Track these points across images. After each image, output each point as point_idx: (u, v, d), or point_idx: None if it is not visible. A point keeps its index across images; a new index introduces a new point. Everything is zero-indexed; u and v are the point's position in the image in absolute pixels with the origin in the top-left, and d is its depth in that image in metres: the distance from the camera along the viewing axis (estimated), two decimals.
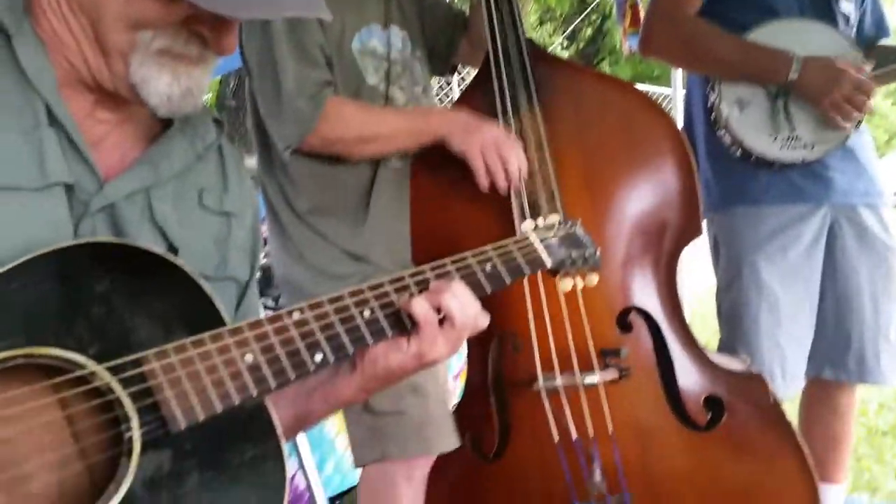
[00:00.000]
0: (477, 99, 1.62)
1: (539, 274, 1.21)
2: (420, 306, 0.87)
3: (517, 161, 1.51)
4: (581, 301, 1.50)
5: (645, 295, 1.55)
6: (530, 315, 1.51)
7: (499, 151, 1.50)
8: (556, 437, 1.47)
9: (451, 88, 7.16)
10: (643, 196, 1.58)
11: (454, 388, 2.98)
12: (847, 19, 1.90)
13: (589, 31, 9.72)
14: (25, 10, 0.81)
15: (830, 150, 1.82)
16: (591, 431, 1.46)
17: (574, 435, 1.46)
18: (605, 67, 10.09)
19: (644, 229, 1.56)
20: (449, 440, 1.54)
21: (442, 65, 1.86)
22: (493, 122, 1.55)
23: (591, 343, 1.49)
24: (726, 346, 1.92)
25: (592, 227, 1.45)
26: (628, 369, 1.49)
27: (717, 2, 1.88)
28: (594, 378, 1.47)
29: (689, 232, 1.59)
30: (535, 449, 1.50)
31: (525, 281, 1.47)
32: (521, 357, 1.52)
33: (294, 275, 1.59)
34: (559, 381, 1.48)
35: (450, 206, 1.58)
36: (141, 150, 0.89)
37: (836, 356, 1.93)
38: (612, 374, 1.48)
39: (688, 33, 1.86)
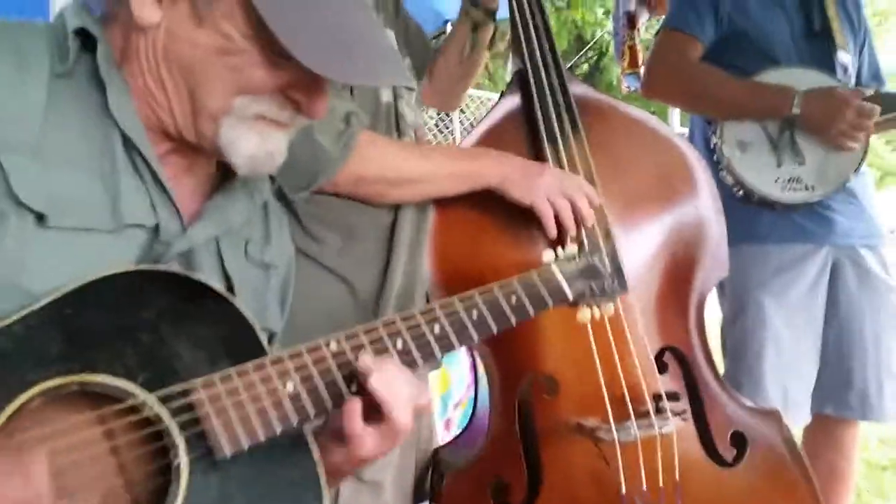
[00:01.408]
0: (512, 129, 1.53)
1: (573, 313, 1.23)
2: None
3: (585, 198, 1.42)
4: (629, 340, 1.44)
5: (679, 334, 1.54)
6: (577, 357, 1.43)
7: (565, 193, 1.40)
8: (623, 489, 1.39)
9: (450, 120, 7.23)
10: (677, 234, 1.57)
11: (454, 418, 2.97)
12: (845, 69, 1.98)
13: (586, 67, 9.87)
14: (119, 62, 0.83)
15: (831, 192, 1.88)
16: (660, 482, 1.40)
17: (643, 485, 1.39)
18: None
19: (677, 267, 1.55)
20: None
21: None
22: (549, 167, 1.45)
23: (643, 386, 1.43)
24: (730, 380, 1.94)
25: (629, 265, 1.47)
26: (686, 412, 1.46)
27: (719, 49, 1.96)
28: (669, 426, 1.40)
29: (718, 269, 1.59)
30: (577, 497, 1.42)
31: (558, 320, 1.42)
32: (557, 401, 1.43)
33: None
34: (634, 430, 1.39)
35: (476, 236, 1.49)
36: (202, 197, 0.92)
37: (838, 393, 1.96)
38: (676, 420, 1.42)
39: (690, 76, 1.93)
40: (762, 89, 1.87)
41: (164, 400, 0.73)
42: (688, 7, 1.98)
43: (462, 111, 7.63)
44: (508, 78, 1.75)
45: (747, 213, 1.91)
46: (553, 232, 1.41)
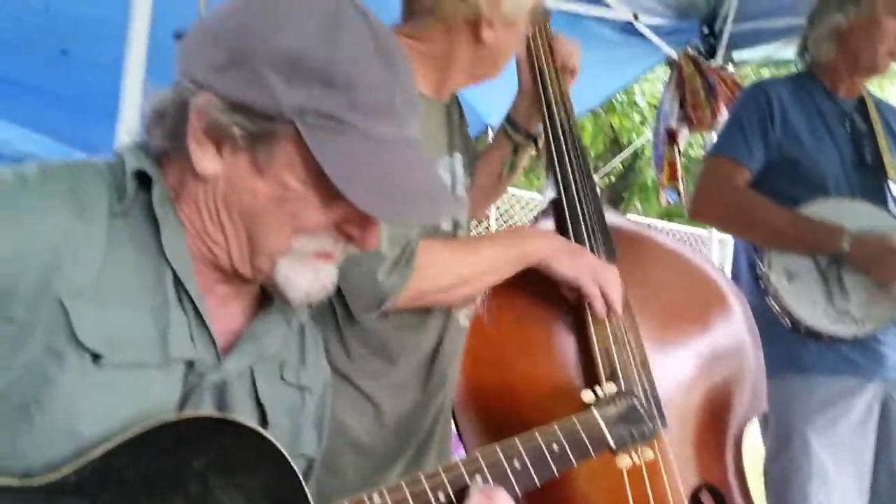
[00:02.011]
0: None
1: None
2: None
3: (619, 290, 1.42)
4: (665, 482, 1.40)
5: (716, 470, 1.49)
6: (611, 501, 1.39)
7: (607, 274, 1.41)
8: None
9: (487, 216, 7.32)
10: (712, 365, 1.54)
11: None
12: None
13: (620, 167, 10.02)
14: (174, 200, 0.86)
15: (881, 327, 1.83)
16: None
17: None
18: (636, 203, 10.31)
19: (713, 399, 1.52)
20: None
21: None
22: (587, 251, 1.46)
23: None
24: None
25: (664, 397, 1.43)
26: None
27: (768, 176, 1.97)
28: None
29: (756, 402, 1.56)
30: None
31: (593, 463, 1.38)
32: None
33: None
34: None
35: (513, 356, 1.49)
36: (241, 322, 0.92)
37: None
38: None
39: (738, 202, 1.93)
40: (812, 225, 1.86)
41: None
42: (737, 134, 1.99)
43: (498, 206, 7.75)
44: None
45: (793, 342, 1.87)
46: (603, 308, 1.41)
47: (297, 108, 0.78)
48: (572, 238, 1.51)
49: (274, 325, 0.94)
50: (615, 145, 9.48)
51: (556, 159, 1.57)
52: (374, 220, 0.86)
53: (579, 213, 1.52)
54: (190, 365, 0.83)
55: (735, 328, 1.57)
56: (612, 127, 9.45)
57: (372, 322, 1.38)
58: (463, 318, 1.56)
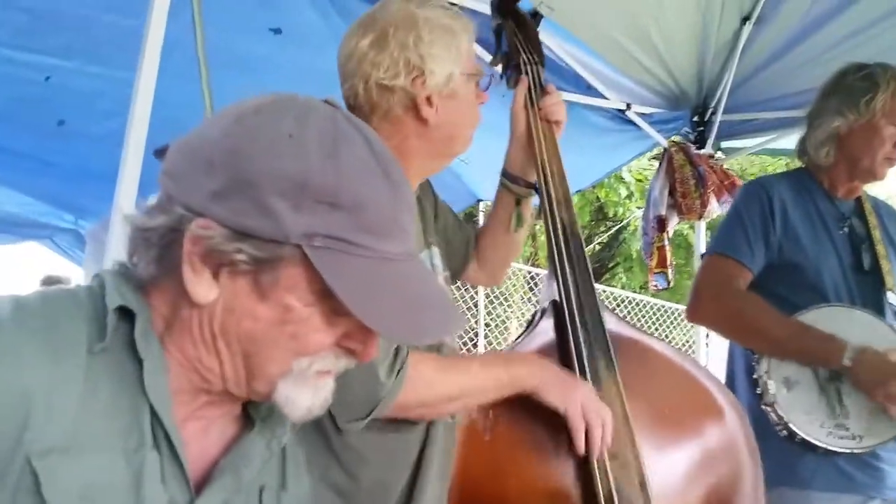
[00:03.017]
0: (546, 357, 1.50)
1: None
2: None
3: (610, 426, 1.39)
4: None
5: None
6: None
7: (597, 412, 1.39)
8: None
9: (475, 333, 7.30)
10: (710, 480, 1.50)
11: None
12: (895, 311, 1.95)
13: (605, 237, 10.12)
14: (160, 329, 0.82)
15: (879, 444, 1.80)
16: None
17: None
18: (620, 273, 10.38)
19: None
20: None
21: (451, 278, 1.76)
22: (583, 382, 1.43)
23: None
24: None
25: None
26: None
27: (767, 277, 1.95)
28: None
29: None
30: None
31: None
32: None
33: None
34: None
35: (508, 471, 1.45)
36: (219, 449, 0.88)
37: None
38: None
39: (738, 307, 1.91)
40: (814, 338, 1.83)
41: None
42: (739, 233, 1.96)
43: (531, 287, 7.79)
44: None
45: (789, 454, 1.84)
46: (582, 444, 1.39)
47: (304, 232, 0.76)
48: (571, 342, 1.49)
49: (254, 451, 0.89)
50: (600, 215, 9.57)
51: (555, 257, 1.55)
52: (374, 334, 0.83)
53: (577, 318, 1.50)
54: None
55: (734, 443, 1.54)
56: (598, 198, 9.56)
57: (363, 430, 1.34)
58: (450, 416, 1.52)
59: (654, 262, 3.49)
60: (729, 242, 1.99)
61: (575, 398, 1.39)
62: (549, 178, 1.60)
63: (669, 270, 3.49)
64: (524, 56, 1.71)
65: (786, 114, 3.57)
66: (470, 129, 1.50)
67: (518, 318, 8.03)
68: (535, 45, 1.74)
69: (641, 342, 1.59)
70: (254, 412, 0.91)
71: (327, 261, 0.76)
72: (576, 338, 1.49)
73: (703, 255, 2.10)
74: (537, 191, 1.65)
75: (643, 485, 1.41)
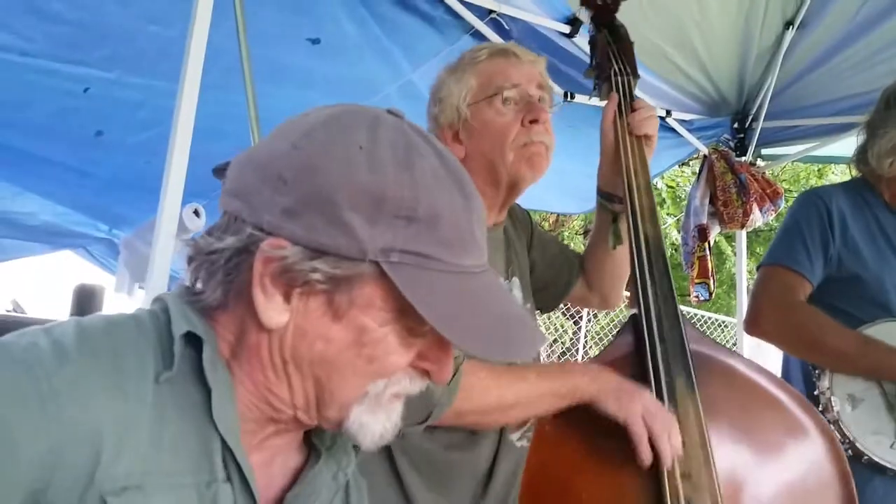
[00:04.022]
0: (621, 371, 1.46)
1: None
2: None
3: (678, 436, 1.34)
4: None
5: None
6: None
7: (662, 422, 1.34)
8: None
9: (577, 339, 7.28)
10: None
11: None
12: None
13: None
14: (227, 355, 0.78)
15: None
16: None
17: None
18: None
19: None
20: None
21: (551, 303, 1.77)
22: (645, 390, 1.39)
23: None
24: None
25: None
26: None
27: (826, 290, 1.89)
28: None
29: None
30: None
31: None
32: None
33: None
34: None
35: (577, 483, 1.39)
36: (283, 483, 0.84)
37: None
38: None
39: (800, 321, 1.85)
40: (882, 350, 1.77)
41: None
42: (797, 244, 1.91)
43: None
44: None
45: (856, 476, 1.75)
46: (647, 454, 1.33)
47: (382, 248, 0.72)
48: (649, 357, 1.44)
49: (321, 483, 0.86)
50: None
51: (636, 272, 1.50)
52: (449, 353, 0.80)
53: (657, 336, 1.45)
54: None
55: (824, 471, 1.46)
56: None
57: (420, 439, 1.35)
58: (517, 440, 1.49)
59: (695, 273, 3.42)
60: (788, 254, 1.94)
61: (634, 406, 1.35)
62: (635, 191, 1.56)
63: (711, 281, 3.41)
64: (616, 66, 1.70)
65: (829, 120, 3.49)
66: (509, 148, 1.48)
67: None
68: (628, 58, 1.73)
69: (724, 361, 1.51)
70: (318, 442, 0.87)
71: (406, 277, 0.73)
72: (654, 353, 1.44)
73: (758, 267, 2.02)
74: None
75: (716, 499, 1.34)
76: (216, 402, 0.75)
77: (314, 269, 0.72)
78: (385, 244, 0.72)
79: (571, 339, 8.60)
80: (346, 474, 0.90)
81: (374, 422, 0.79)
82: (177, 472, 0.72)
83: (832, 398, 1.79)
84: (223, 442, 0.75)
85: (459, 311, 0.74)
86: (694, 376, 1.42)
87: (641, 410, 1.34)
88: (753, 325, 1.93)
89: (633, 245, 1.52)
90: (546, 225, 9.69)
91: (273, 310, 0.74)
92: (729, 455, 1.41)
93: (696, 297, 3.45)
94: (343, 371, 0.76)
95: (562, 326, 8.43)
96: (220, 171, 0.82)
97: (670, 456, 1.33)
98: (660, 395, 1.41)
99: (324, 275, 0.73)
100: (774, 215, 3.54)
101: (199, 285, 0.78)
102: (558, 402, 1.37)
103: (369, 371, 0.76)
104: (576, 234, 10.97)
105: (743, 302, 3.85)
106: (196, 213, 3.42)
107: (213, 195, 3.37)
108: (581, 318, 8.20)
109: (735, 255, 8.24)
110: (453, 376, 1.25)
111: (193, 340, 0.76)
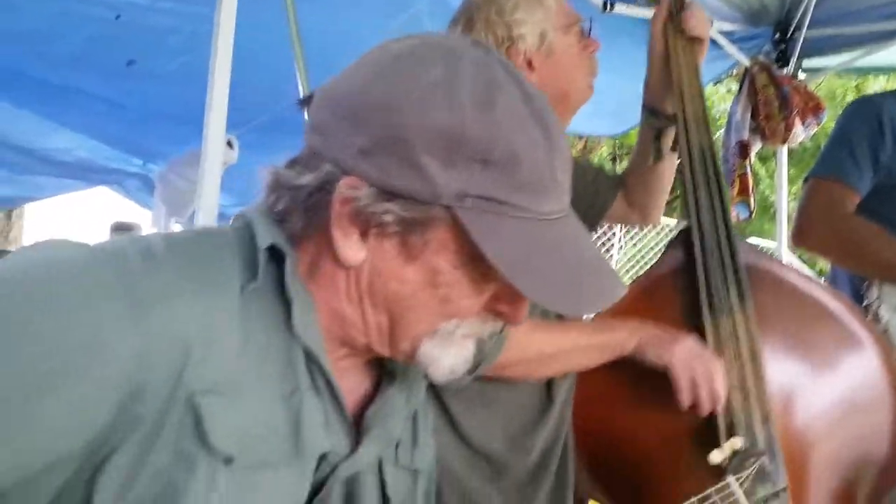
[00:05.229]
0: (670, 293, 1.46)
1: None
2: None
3: (723, 379, 1.35)
4: None
5: None
6: None
7: (704, 366, 1.34)
8: None
9: (613, 234, 7.24)
10: (849, 425, 1.43)
11: None
12: None
13: None
14: (305, 276, 0.78)
15: None
16: None
17: None
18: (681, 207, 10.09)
19: (846, 462, 1.42)
20: None
21: (590, 224, 1.74)
22: (686, 334, 1.38)
23: None
24: None
25: (792, 455, 1.35)
26: None
27: (873, 200, 1.85)
28: None
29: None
30: None
31: None
32: None
33: None
34: None
35: (619, 402, 1.43)
36: (356, 401, 0.86)
37: None
38: None
39: (848, 232, 1.82)
40: None
41: None
42: (846, 154, 1.87)
43: (629, 229, 7.73)
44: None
45: None
46: (687, 398, 1.34)
47: (456, 193, 0.71)
48: (700, 272, 1.41)
49: (397, 409, 0.87)
50: None
51: (688, 180, 1.47)
52: (524, 298, 0.78)
53: (711, 247, 1.42)
54: (322, 456, 0.77)
55: (877, 382, 1.45)
56: None
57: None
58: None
59: (735, 191, 3.34)
60: (836, 164, 1.89)
61: (675, 352, 1.35)
62: (687, 99, 1.52)
63: (752, 199, 3.33)
64: None
65: (876, 27, 3.35)
66: (582, 80, 1.47)
67: None
68: None
69: (777, 272, 1.49)
70: (392, 367, 0.88)
71: (479, 224, 0.71)
72: (706, 266, 1.42)
73: (806, 179, 1.97)
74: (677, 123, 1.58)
75: (767, 419, 1.36)
76: (297, 314, 0.75)
77: (387, 212, 0.71)
78: (459, 189, 0.70)
79: None
80: (417, 399, 0.92)
81: (445, 356, 0.79)
82: (261, 382, 0.73)
83: (881, 309, 1.77)
84: (306, 354, 0.76)
85: (532, 260, 0.73)
86: (746, 289, 1.40)
87: (683, 357, 1.34)
88: (800, 238, 1.91)
89: (686, 155, 1.49)
90: (574, 152, 9.57)
91: (350, 248, 0.74)
92: (781, 368, 1.41)
93: (737, 215, 3.38)
94: (416, 310, 0.76)
95: None
96: (304, 102, 0.80)
97: (711, 404, 1.34)
98: (711, 309, 1.40)
99: (396, 217, 0.72)
100: (816, 129, 3.44)
101: (279, 209, 0.78)
102: (599, 357, 1.38)
103: (442, 311, 0.76)
104: (604, 159, 10.82)
105: (783, 219, 3.79)
106: (229, 143, 3.42)
107: (246, 127, 3.35)
108: (612, 245, 8.15)
109: (769, 177, 8.09)
110: (500, 330, 1.27)
111: (276, 256, 0.76)
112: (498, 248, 0.71)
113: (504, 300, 0.78)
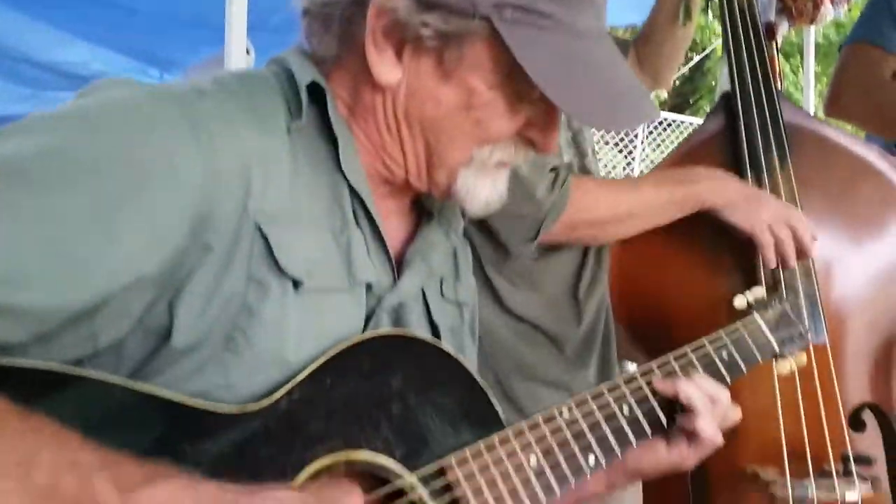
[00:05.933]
0: (712, 151, 1.44)
1: None
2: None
3: (809, 231, 1.33)
4: (818, 393, 1.35)
5: (883, 391, 1.41)
6: (759, 403, 1.34)
7: (788, 223, 1.33)
8: None
9: (635, 136, 7.14)
10: (887, 280, 1.44)
11: None
12: None
13: (686, 70, 9.56)
14: (344, 113, 0.80)
15: None
16: None
17: None
18: (705, 108, 9.90)
19: (886, 316, 1.43)
20: None
21: None
22: (768, 194, 1.37)
23: (829, 445, 1.32)
24: None
25: (832, 314, 1.37)
26: (878, 480, 1.32)
27: None
28: (854, 493, 1.27)
29: None
30: None
31: None
32: (734, 445, 1.24)
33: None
34: (811, 489, 1.28)
35: (659, 258, 1.42)
36: (401, 239, 0.89)
37: None
38: (865, 486, 1.28)
39: (883, 99, 1.78)
40: None
41: (424, 480, 0.71)
42: (883, 16, 1.81)
43: (651, 131, 7.64)
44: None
45: None
46: (773, 263, 1.35)
47: (494, 3, 0.71)
48: (742, 134, 1.41)
49: (437, 243, 0.90)
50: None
51: (730, 43, 1.46)
52: (555, 122, 0.81)
53: (753, 106, 1.42)
54: (368, 287, 0.81)
55: None
56: None
57: (515, 261, 1.34)
58: None
59: None
60: (872, 28, 1.84)
61: (760, 213, 1.33)
62: None
63: (779, 82, 3.26)
64: None
65: None
66: None
67: None
68: None
69: (820, 132, 1.47)
70: (429, 205, 0.90)
71: (517, 37, 0.72)
72: (748, 126, 1.41)
73: (840, 48, 1.92)
74: None
75: (809, 273, 1.37)
76: (343, 152, 0.78)
77: (424, 24, 0.72)
78: None
79: (625, 170, 8.50)
80: (457, 233, 0.95)
81: (481, 186, 0.81)
82: (312, 216, 0.76)
83: None
84: (351, 191, 0.79)
85: (568, 74, 0.74)
86: (788, 150, 1.40)
87: (768, 217, 1.33)
88: (834, 106, 1.87)
89: (727, 13, 1.47)
90: None
91: (385, 65, 0.75)
92: (822, 229, 1.40)
93: None
94: (451, 133, 0.78)
95: (612, 160, 8.33)
96: None
97: (794, 258, 1.34)
98: (754, 170, 1.40)
99: (434, 30, 0.72)
100: (846, 6, 3.31)
101: (313, 42, 0.79)
102: (678, 211, 1.34)
103: (476, 134, 0.78)
104: None
105: (811, 97, 3.69)
106: (247, 50, 3.38)
107: (261, 29, 3.30)
108: (635, 148, 8.06)
109: (792, 73, 7.85)
110: (561, 186, 1.25)
111: (316, 95, 0.78)
112: (536, 61, 0.72)
113: (536, 126, 0.80)
